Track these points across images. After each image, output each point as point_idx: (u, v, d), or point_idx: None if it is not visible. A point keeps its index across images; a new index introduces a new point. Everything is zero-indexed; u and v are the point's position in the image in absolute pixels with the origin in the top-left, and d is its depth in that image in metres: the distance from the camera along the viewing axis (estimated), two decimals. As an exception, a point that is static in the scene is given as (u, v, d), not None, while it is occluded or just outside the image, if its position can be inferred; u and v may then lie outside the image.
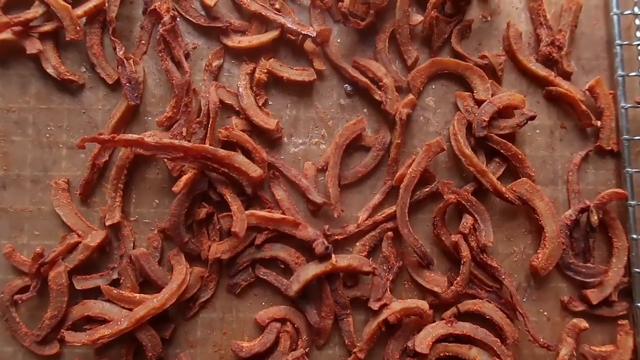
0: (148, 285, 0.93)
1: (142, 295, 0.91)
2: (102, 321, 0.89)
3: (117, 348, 0.92)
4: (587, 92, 1.02)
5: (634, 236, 0.97)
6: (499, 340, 0.92)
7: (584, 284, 0.97)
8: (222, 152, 0.91)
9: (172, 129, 0.95)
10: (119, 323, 0.87)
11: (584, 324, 0.94)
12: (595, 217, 0.96)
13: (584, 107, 1.00)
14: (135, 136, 0.89)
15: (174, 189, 0.90)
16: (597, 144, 1.01)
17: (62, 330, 0.88)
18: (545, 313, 0.98)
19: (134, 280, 0.92)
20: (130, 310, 0.88)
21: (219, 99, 0.95)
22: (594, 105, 1.02)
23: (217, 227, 0.95)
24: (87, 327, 0.89)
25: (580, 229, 0.98)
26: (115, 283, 0.92)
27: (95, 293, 0.92)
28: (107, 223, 0.93)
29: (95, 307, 0.90)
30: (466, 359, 0.92)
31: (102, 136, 0.89)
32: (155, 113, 0.98)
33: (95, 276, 0.92)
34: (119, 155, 0.95)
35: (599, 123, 1.01)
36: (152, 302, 0.88)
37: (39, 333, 0.90)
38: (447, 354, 0.92)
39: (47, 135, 0.98)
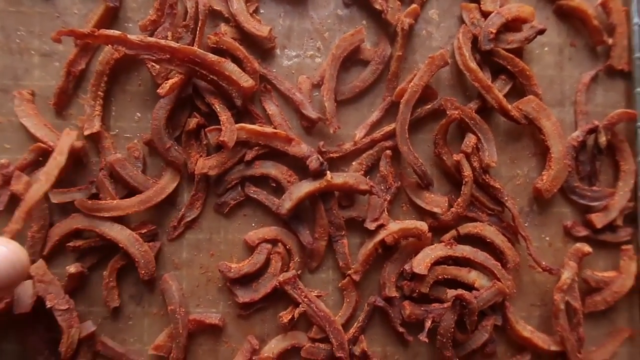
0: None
1: (120, 200, 0.85)
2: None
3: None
4: (599, 7, 0.96)
5: (642, 159, 0.93)
6: (499, 264, 0.89)
7: (588, 209, 0.94)
8: (212, 56, 0.83)
9: (155, 33, 0.87)
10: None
11: (587, 248, 0.90)
12: (604, 138, 0.92)
13: (595, 22, 0.94)
14: (117, 32, 0.81)
15: (159, 90, 0.82)
16: (608, 63, 0.96)
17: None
18: (547, 238, 0.94)
19: (113, 193, 0.85)
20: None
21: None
22: (606, 22, 0.96)
23: (204, 143, 0.88)
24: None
25: (586, 152, 0.94)
26: (96, 198, 0.86)
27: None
28: (86, 132, 0.86)
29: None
30: (465, 282, 0.88)
31: (81, 30, 0.81)
32: (137, 19, 0.90)
33: (73, 190, 0.86)
34: (99, 60, 0.87)
35: (610, 40, 0.95)
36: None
37: None
38: (446, 276, 0.88)
39: (18, 41, 0.89)
